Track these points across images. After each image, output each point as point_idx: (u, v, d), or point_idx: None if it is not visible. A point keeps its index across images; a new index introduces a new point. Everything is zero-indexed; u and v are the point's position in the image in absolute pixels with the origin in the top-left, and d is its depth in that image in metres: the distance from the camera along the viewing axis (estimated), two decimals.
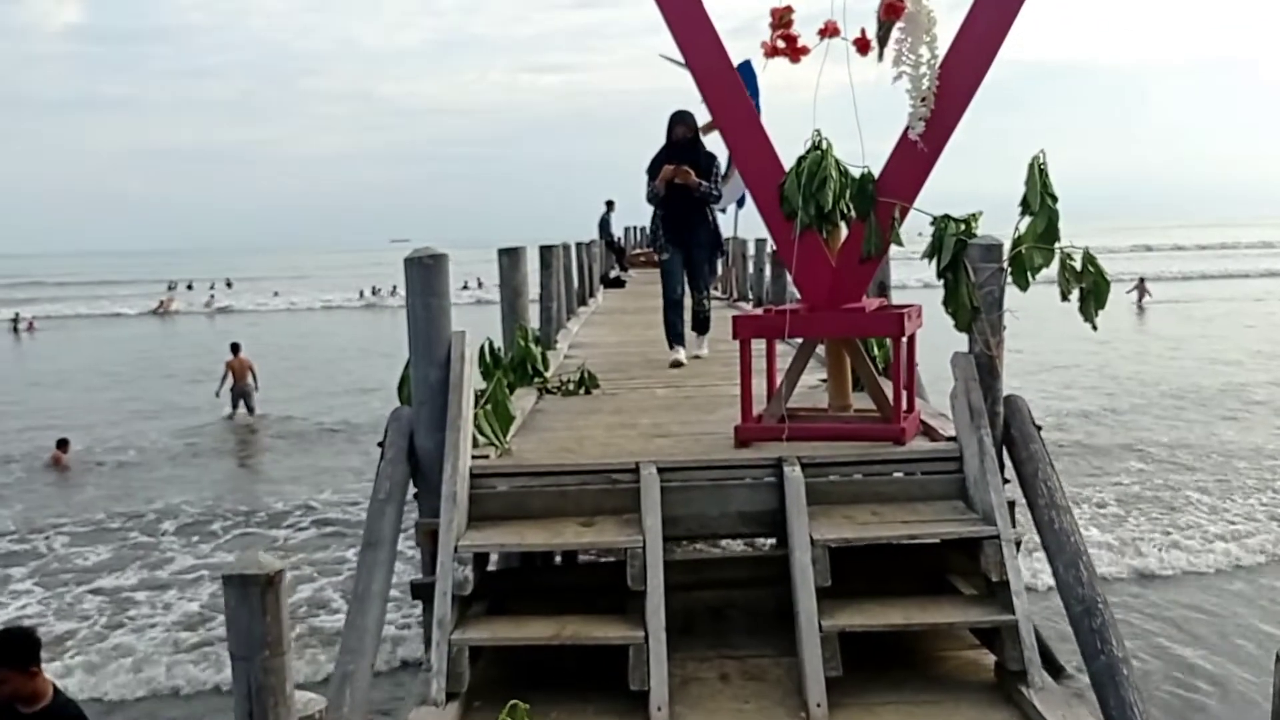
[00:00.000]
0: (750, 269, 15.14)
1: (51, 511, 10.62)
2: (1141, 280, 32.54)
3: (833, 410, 4.88)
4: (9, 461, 13.39)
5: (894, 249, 4.79)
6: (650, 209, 7.59)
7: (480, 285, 43.88)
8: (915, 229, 4.68)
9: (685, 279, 7.62)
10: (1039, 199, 4.22)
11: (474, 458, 4.32)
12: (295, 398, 17.55)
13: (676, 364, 7.34)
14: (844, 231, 4.76)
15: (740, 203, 15.83)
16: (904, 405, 4.55)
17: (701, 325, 7.76)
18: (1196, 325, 25.06)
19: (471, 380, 4.32)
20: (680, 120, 7.28)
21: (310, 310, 41.42)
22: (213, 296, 49.05)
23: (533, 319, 8.31)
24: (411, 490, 4.31)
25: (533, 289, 8.43)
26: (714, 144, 8.00)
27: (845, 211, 4.69)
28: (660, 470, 4.16)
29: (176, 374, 21.61)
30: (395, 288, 47.28)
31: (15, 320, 37.00)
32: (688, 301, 7.71)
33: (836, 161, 4.62)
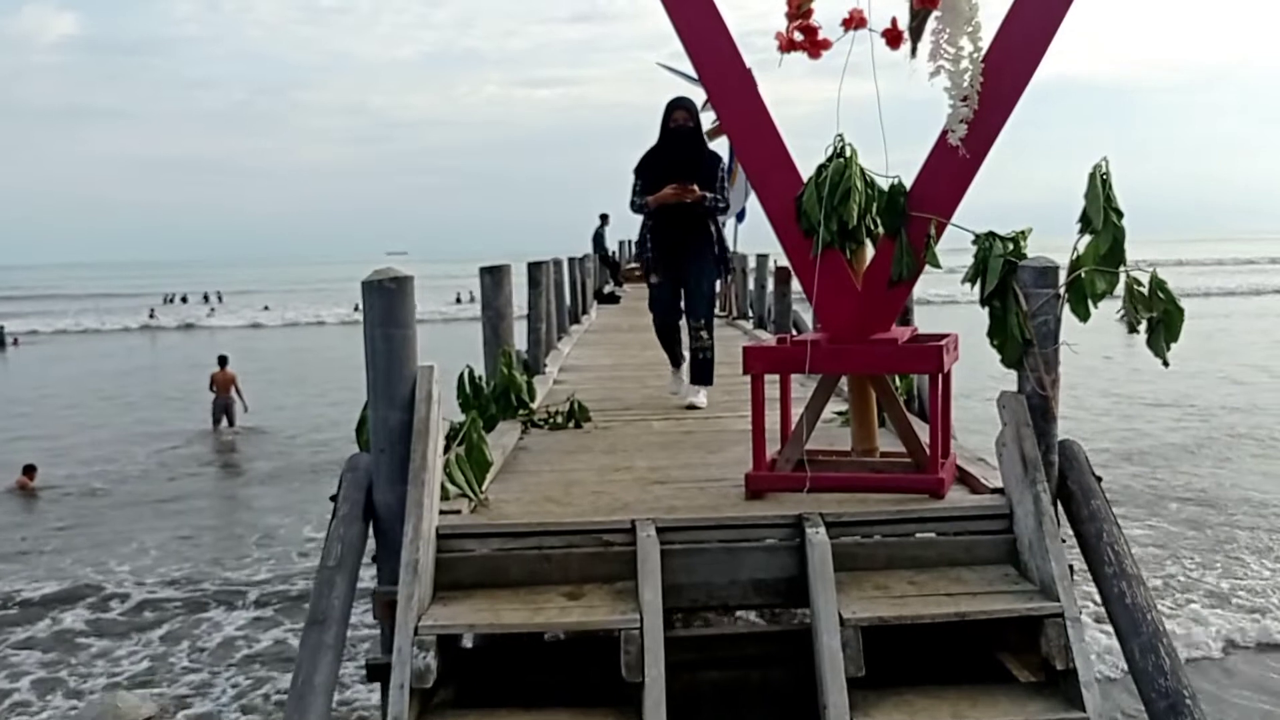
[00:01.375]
0: (750, 285, 14.54)
1: (6, 543, 9.91)
2: None
3: (856, 454, 4.27)
4: None
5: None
6: (638, 218, 6.45)
7: (473, 299, 43.25)
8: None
9: (682, 305, 6.43)
10: (1102, 214, 3.62)
11: (443, 512, 3.71)
12: (285, 419, 16.89)
13: (676, 393, 6.54)
14: (870, 251, 4.17)
15: (740, 217, 15.26)
16: (940, 451, 3.94)
17: (702, 372, 6.35)
18: (1196, 340, 24.35)
19: (439, 425, 3.70)
20: (679, 105, 6.18)
21: (303, 325, 40.59)
22: (212, 310, 48.32)
23: (521, 339, 7.71)
24: (371, 551, 3.70)
25: (522, 306, 7.84)
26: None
27: (872, 228, 4.10)
28: (660, 530, 3.54)
29: (161, 391, 21.05)
30: None
31: (1, 335, 36.39)
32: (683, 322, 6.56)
33: (862, 171, 4.03)
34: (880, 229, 4.07)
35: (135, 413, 18.34)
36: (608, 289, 19.54)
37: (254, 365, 22.38)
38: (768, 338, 11.30)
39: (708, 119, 8.32)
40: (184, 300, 55.98)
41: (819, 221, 3.99)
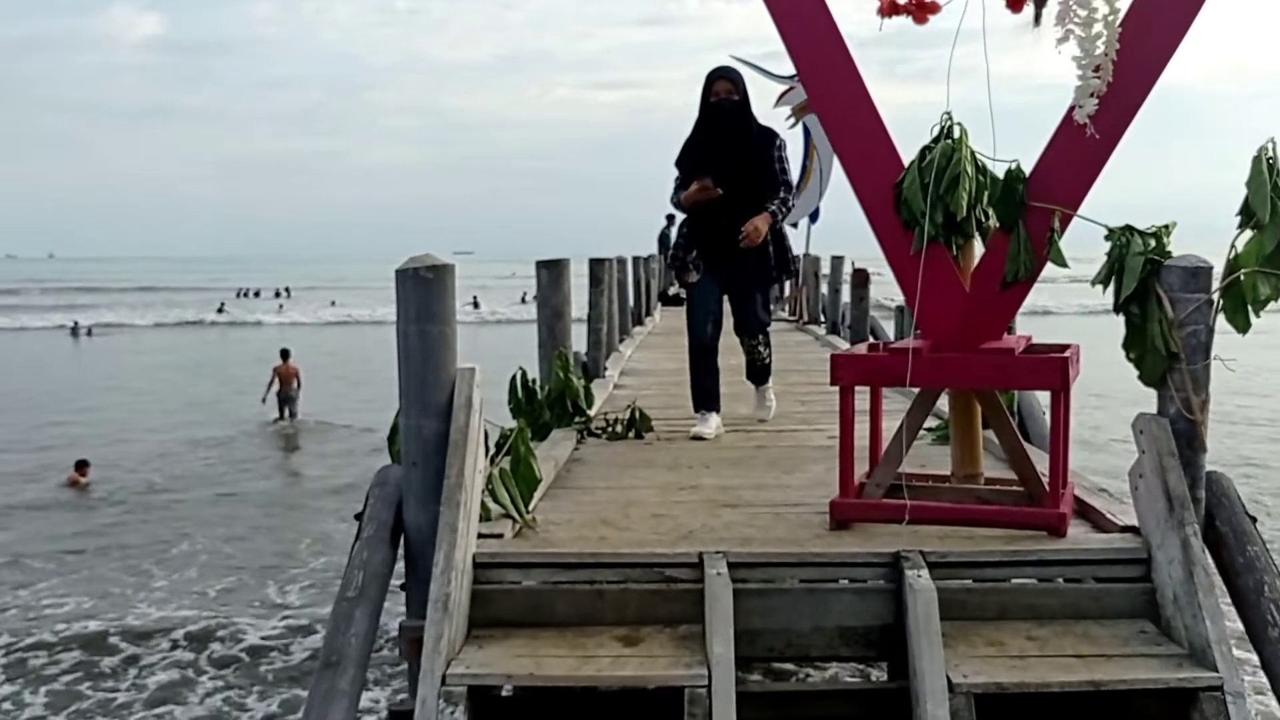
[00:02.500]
0: (824, 289, 13.92)
1: (46, 544, 9.62)
2: None
3: (957, 480, 3.71)
4: (31, 478, 12.62)
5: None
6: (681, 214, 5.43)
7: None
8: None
9: (731, 315, 5.37)
10: (1268, 206, 3.04)
11: (483, 536, 3.24)
12: (347, 413, 16.69)
13: (699, 439, 5.12)
14: (979, 246, 3.62)
15: (814, 217, 14.68)
16: (1060, 481, 3.38)
17: (758, 372, 5.55)
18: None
19: (480, 436, 3.23)
20: (721, 75, 5.11)
21: (363, 323, 40.64)
22: (281, 306, 48.73)
23: (580, 340, 7.25)
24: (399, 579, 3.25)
25: (582, 306, 7.38)
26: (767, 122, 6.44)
27: (983, 220, 3.55)
28: (732, 565, 3.04)
29: (226, 383, 21.06)
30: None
31: (75, 326, 37.17)
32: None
33: (973, 154, 3.48)
34: (992, 221, 3.52)
35: (199, 405, 18.31)
36: (672, 290, 19.05)
37: (320, 359, 22.33)
38: (841, 344, 10.70)
39: (788, 103, 7.79)
40: (257, 295, 56.89)
41: (922, 212, 3.45)
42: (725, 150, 5.09)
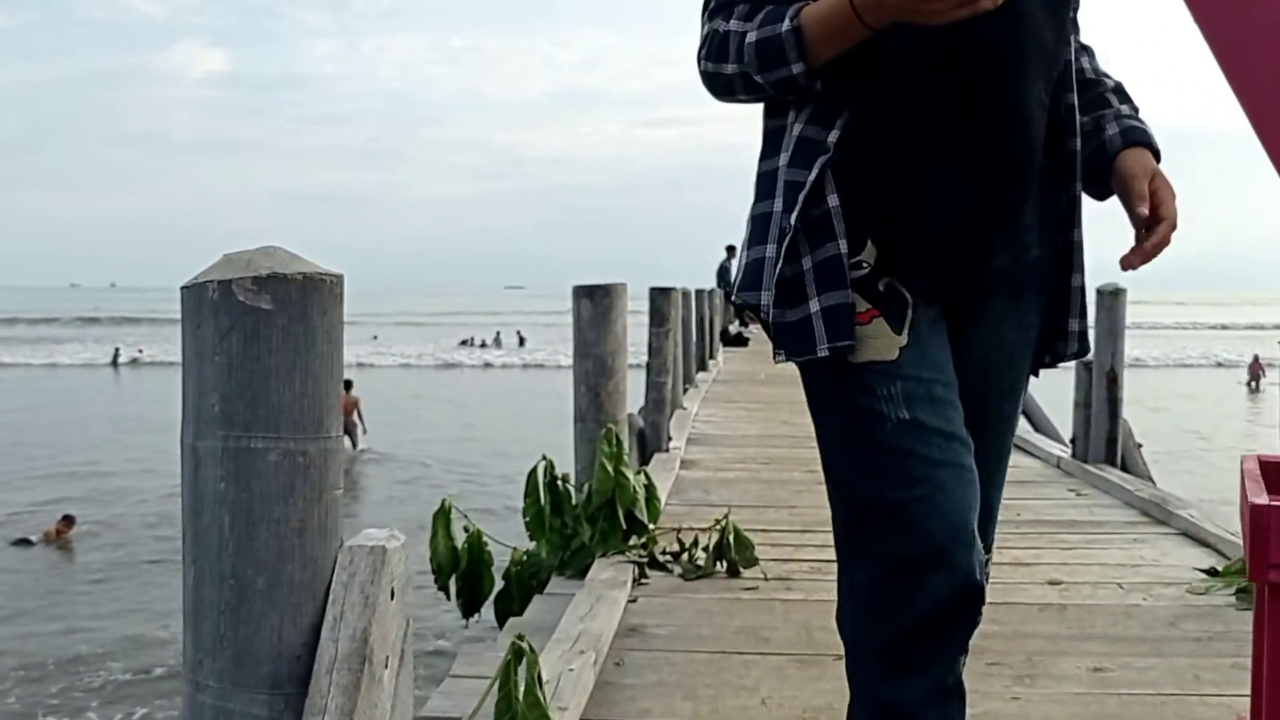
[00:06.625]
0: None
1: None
2: (1256, 358, 28.19)
3: None
4: (12, 527, 10.99)
5: None
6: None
7: None
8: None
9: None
10: None
11: None
12: (411, 447, 15.47)
13: None
14: None
15: None
16: None
17: None
18: None
19: None
20: None
21: (409, 363, 38.75)
22: (375, 337, 46.81)
23: (635, 398, 5.29)
24: None
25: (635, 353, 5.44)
26: None
27: None
28: None
29: None
30: (499, 335, 45.07)
31: (115, 357, 36.03)
32: None
33: None
34: None
35: None
36: (734, 329, 17.25)
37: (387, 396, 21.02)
38: (1048, 445, 6.33)
39: None
40: None
41: None
42: None
